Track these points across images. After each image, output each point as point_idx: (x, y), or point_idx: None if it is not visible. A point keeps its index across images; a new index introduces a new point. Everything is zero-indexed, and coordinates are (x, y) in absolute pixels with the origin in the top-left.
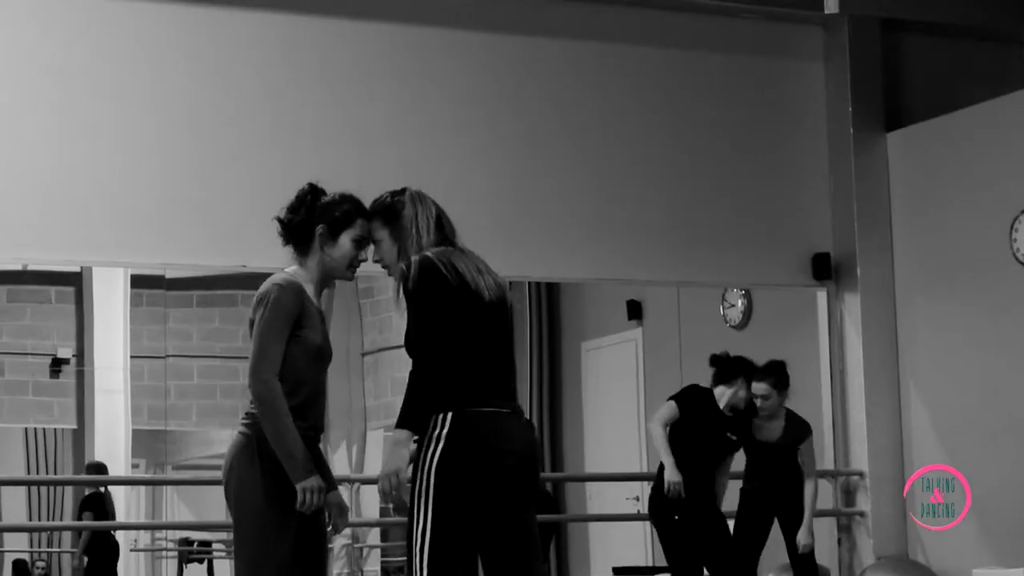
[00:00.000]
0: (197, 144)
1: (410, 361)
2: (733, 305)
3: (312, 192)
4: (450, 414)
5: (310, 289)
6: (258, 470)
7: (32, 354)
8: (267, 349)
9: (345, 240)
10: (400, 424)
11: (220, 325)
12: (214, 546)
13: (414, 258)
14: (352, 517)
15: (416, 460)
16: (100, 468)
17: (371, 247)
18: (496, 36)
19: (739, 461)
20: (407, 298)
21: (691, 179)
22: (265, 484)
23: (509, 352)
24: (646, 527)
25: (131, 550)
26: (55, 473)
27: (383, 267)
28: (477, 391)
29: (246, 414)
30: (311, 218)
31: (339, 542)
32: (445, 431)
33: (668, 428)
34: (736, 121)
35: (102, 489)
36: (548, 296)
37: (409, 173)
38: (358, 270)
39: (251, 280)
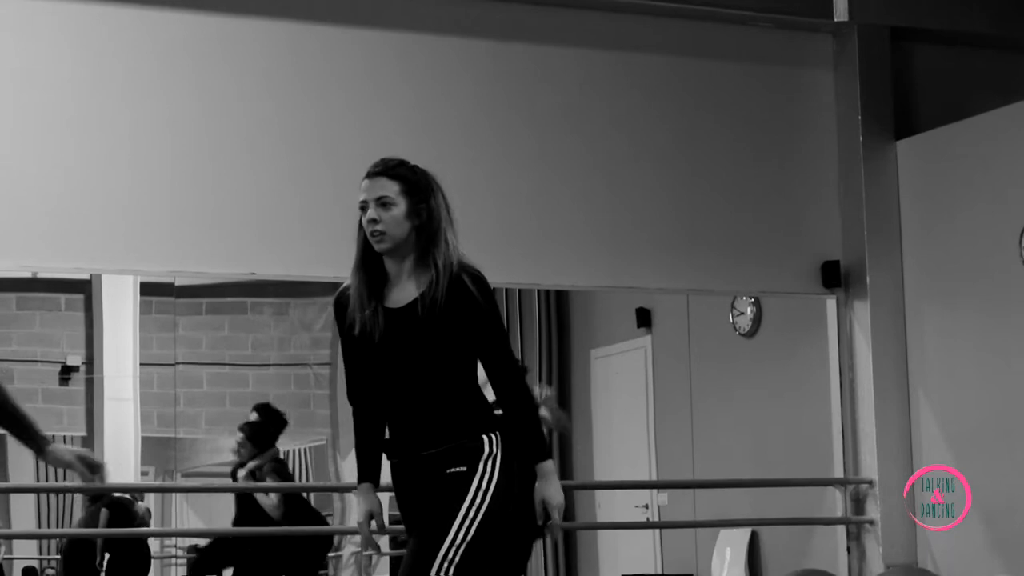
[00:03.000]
0: (207, 152)
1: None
2: (743, 313)
3: None
4: (497, 434)
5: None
6: None
7: (41, 361)
8: None
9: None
10: (547, 455)
11: (229, 333)
12: None
13: (478, 271)
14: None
15: (473, 473)
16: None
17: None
18: (507, 45)
19: None
20: (485, 308)
21: (701, 187)
22: None
23: None
24: (655, 535)
25: None
26: (65, 480)
27: (375, 234)
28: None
29: None
30: None
31: (348, 549)
32: (499, 454)
33: None
34: (746, 129)
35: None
36: (558, 304)
37: None
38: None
39: (260, 288)
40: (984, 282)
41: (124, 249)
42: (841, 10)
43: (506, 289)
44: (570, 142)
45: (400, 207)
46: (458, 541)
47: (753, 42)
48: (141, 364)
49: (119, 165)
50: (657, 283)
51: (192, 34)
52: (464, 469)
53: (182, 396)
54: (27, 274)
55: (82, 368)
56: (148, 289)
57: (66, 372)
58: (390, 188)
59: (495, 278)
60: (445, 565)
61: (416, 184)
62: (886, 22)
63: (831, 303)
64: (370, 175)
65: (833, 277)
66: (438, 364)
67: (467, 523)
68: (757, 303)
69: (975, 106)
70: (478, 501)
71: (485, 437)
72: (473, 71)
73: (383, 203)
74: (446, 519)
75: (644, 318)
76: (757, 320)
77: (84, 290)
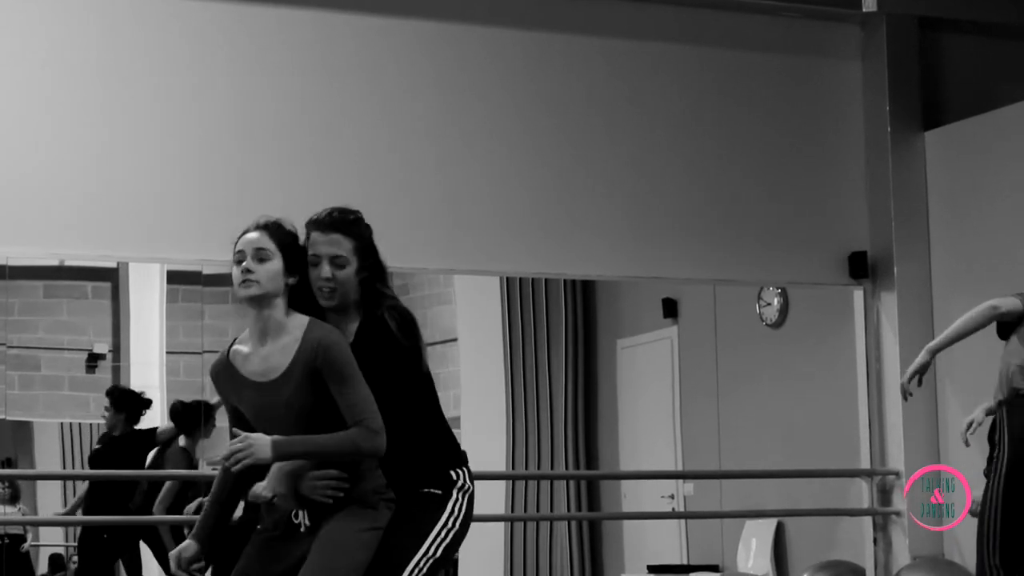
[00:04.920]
0: (235, 140)
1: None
2: (769, 304)
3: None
4: (466, 472)
5: None
6: None
7: (68, 349)
8: None
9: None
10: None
11: None
12: None
13: (402, 308)
14: None
15: (448, 498)
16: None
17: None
18: (534, 34)
19: None
20: (397, 353)
21: (728, 178)
22: None
23: None
24: (681, 525)
25: None
26: (90, 468)
27: (325, 289)
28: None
29: None
30: None
31: None
32: (471, 487)
33: None
34: (773, 120)
35: None
36: (584, 294)
37: (447, 172)
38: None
39: None
40: (1012, 273)
41: (151, 237)
42: (869, 0)
43: (532, 279)
44: (597, 132)
45: (352, 265)
46: (429, 553)
47: (781, 32)
48: (168, 352)
49: (147, 153)
50: (684, 273)
51: (221, 23)
52: (439, 492)
53: (208, 384)
54: (54, 262)
55: (109, 356)
56: (175, 278)
57: (93, 360)
58: (344, 246)
59: (521, 267)
60: (416, 573)
61: (368, 240)
62: (914, 12)
63: (858, 294)
64: (323, 229)
65: (860, 268)
66: (387, 410)
67: (439, 540)
68: (784, 293)
69: (1004, 97)
70: (450, 524)
71: (453, 472)
72: (500, 60)
73: (337, 263)
74: (420, 531)
75: (670, 308)
76: (784, 311)
77: (111, 278)
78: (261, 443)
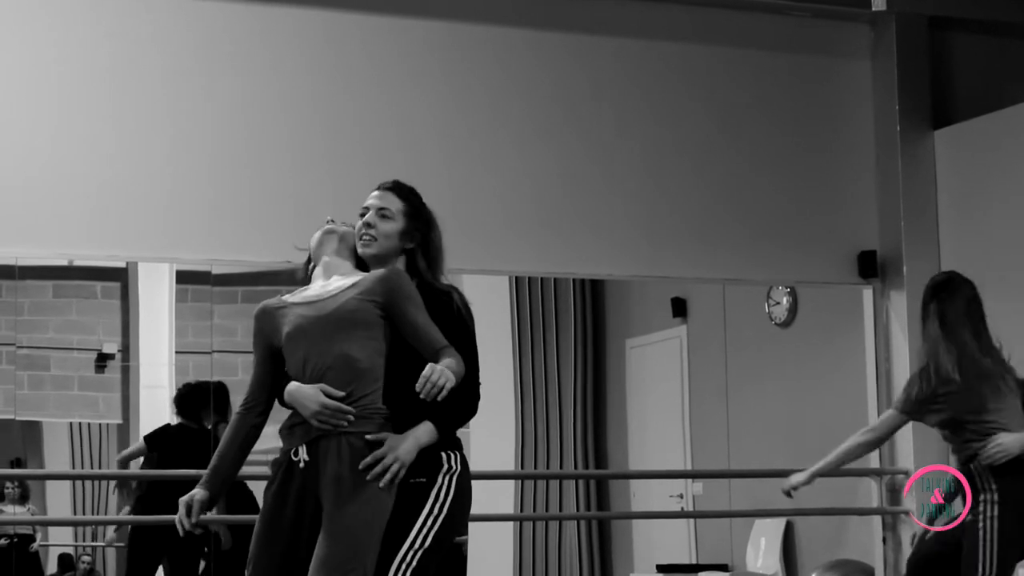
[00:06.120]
0: (245, 140)
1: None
2: (778, 303)
3: None
4: (458, 455)
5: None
6: None
7: (77, 349)
8: None
9: None
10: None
11: None
12: None
13: (461, 291)
14: None
15: (432, 484)
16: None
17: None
18: (542, 33)
19: None
20: (462, 330)
21: (737, 177)
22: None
23: None
24: (690, 525)
25: None
26: (100, 468)
27: (365, 236)
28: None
29: None
30: None
31: None
32: (459, 471)
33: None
34: (782, 119)
35: None
36: (593, 293)
37: (456, 171)
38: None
39: (296, 277)
40: (1021, 272)
41: (161, 237)
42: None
43: (541, 279)
44: (606, 131)
45: (396, 223)
46: (416, 546)
47: (790, 31)
48: (177, 352)
49: (156, 153)
50: (693, 272)
51: (230, 22)
52: (424, 480)
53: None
54: (64, 262)
55: (118, 356)
56: (184, 277)
57: (102, 360)
58: (393, 203)
59: (529, 267)
60: (403, 568)
61: (419, 210)
62: (924, 11)
63: (867, 293)
64: (380, 187)
65: (869, 267)
66: (401, 381)
67: (425, 530)
68: (793, 293)
69: (1013, 96)
70: (436, 511)
71: (443, 454)
72: (509, 60)
73: (382, 214)
74: (405, 525)
75: (680, 308)
76: (793, 310)
77: (120, 278)
78: (438, 367)
